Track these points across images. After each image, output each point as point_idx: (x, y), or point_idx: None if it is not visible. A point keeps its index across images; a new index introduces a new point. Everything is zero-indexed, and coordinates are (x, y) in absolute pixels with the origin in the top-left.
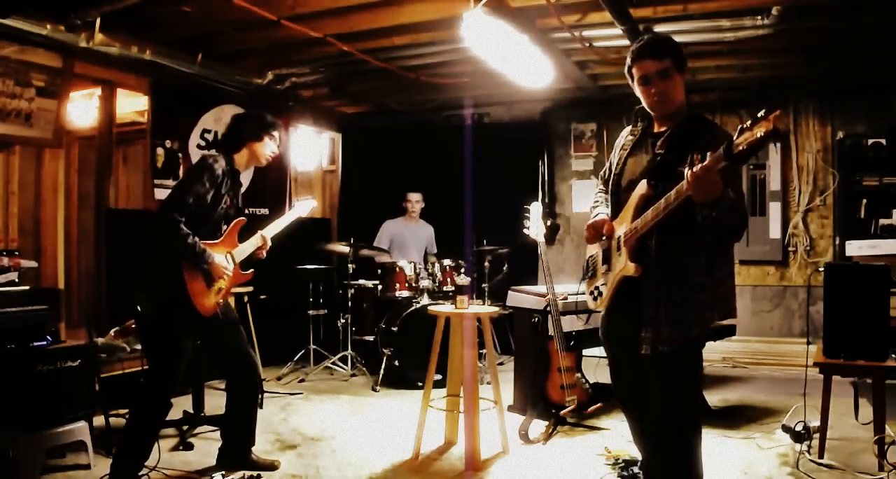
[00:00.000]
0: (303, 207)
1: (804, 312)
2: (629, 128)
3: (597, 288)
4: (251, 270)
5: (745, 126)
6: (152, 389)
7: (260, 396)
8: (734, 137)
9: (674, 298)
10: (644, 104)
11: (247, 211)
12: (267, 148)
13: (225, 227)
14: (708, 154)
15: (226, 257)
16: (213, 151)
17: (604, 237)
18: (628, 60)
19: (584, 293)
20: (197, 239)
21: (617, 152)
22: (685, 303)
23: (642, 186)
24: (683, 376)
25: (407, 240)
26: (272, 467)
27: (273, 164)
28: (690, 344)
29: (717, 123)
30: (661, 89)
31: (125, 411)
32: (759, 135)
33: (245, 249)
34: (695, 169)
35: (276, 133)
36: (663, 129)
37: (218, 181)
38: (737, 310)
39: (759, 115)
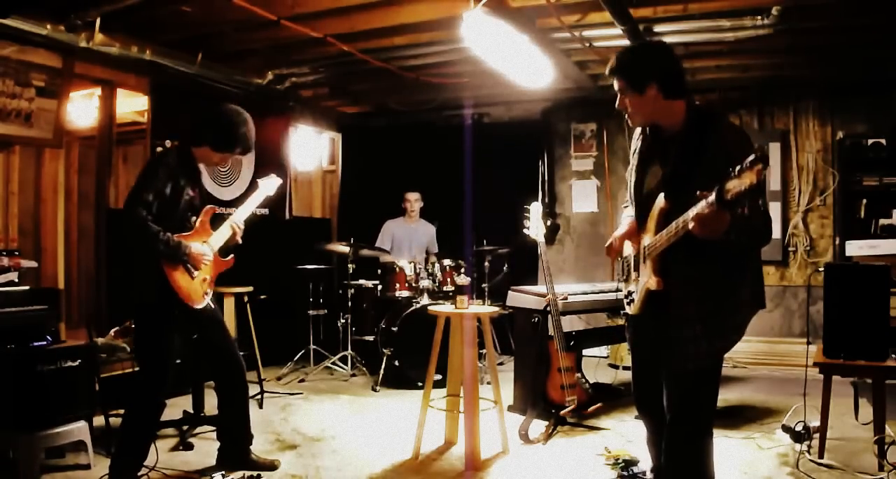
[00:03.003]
0: (268, 185)
1: (804, 312)
2: (639, 129)
3: (630, 293)
4: (231, 256)
5: (733, 172)
6: (144, 388)
7: (260, 395)
8: (724, 183)
9: (708, 310)
10: None
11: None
12: (219, 159)
13: (195, 218)
14: (702, 203)
15: (202, 245)
16: (168, 145)
17: (632, 244)
18: None
19: (620, 292)
20: (168, 233)
21: (633, 157)
22: (720, 313)
23: (661, 201)
24: (704, 385)
25: (408, 240)
26: (272, 467)
27: (273, 164)
28: (714, 358)
29: (725, 118)
30: (623, 105)
31: (124, 411)
32: (744, 187)
33: (220, 237)
34: (694, 215)
35: (237, 153)
36: (670, 134)
37: (174, 173)
38: (765, 300)
39: (744, 163)
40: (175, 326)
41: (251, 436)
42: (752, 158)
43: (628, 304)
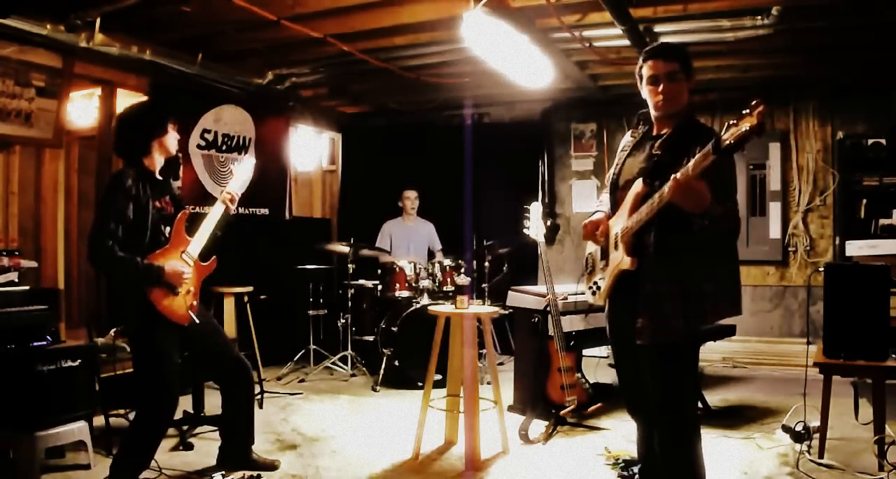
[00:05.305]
0: (243, 169)
1: (804, 312)
2: (630, 131)
3: (595, 283)
4: (212, 258)
5: (731, 122)
6: (150, 399)
7: (260, 395)
8: (721, 133)
9: (672, 291)
10: (650, 104)
11: (247, 211)
12: (173, 137)
13: (168, 229)
14: (697, 150)
15: (180, 257)
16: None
17: (598, 234)
18: (639, 61)
19: (583, 292)
20: (137, 259)
21: (618, 154)
22: (683, 297)
23: (638, 185)
24: (681, 372)
25: (407, 239)
26: (272, 467)
27: (273, 163)
28: (688, 338)
29: (715, 129)
30: (668, 90)
31: (125, 411)
32: (744, 129)
33: (199, 240)
34: (677, 176)
35: (174, 120)
36: (663, 131)
37: (133, 193)
38: (741, 306)
39: (744, 110)
40: (171, 341)
41: (253, 437)
42: (753, 102)
43: (593, 293)
